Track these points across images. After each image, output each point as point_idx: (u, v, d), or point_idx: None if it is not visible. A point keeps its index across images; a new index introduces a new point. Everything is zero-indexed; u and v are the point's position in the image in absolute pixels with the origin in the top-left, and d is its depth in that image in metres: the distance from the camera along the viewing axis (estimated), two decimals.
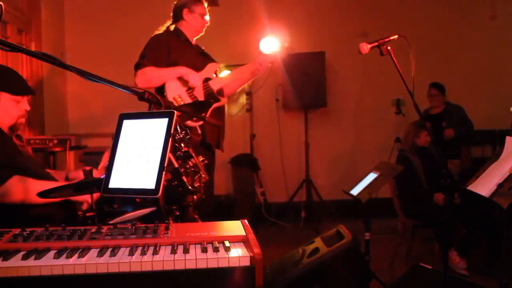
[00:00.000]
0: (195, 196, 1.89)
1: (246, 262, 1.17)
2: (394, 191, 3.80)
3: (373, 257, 2.89)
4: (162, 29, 3.16)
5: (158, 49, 2.99)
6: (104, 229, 1.33)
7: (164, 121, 1.43)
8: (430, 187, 3.73)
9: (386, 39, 2.30)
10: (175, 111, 1.45)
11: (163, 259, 1.15)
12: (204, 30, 3.16)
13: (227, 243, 1.22)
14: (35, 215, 1.97)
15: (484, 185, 1.97)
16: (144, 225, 1.38)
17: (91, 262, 1.13)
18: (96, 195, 1.77)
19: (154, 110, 2.00)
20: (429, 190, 3.72)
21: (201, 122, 2.90)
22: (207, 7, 3.15)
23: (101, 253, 1.17)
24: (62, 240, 1.25)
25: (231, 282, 1.16)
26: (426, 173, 3.77)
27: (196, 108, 2.45)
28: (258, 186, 5.31)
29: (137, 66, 2.96)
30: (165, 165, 1.35)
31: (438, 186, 3.62)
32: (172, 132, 1.40)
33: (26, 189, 1.91)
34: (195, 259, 1.15)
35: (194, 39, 3.18)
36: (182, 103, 2.89)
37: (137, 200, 1.76)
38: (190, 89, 2.99)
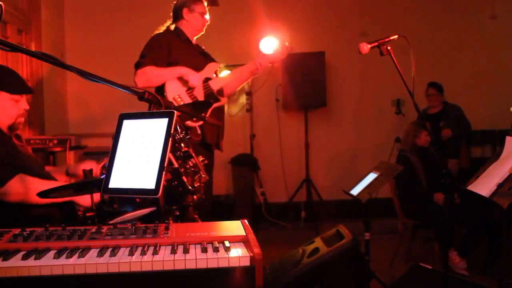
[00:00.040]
0: (195, 196, 1.89)
1: (246, 262, 1.17)
2: (394, 191, 3.80)
3: (373, 257, 2.89)
4: (162, 29, 3.16)
5: (159, 48, 2.99)
6: (104, 229, 1.33)
7: (164, 121, 1.43)
8: (430, 187, 3.73)
9: (386, 39, 2.30)
10: (175, 111, 1.45)
11: (163, 259, 1.15)
12: (204, 29, 3.17)
13: (227, 243, 1.22)
14: (35, 215, 1.97)
15: (484, 185, 1.97)
16: (144, 225, 1.38)
17: (91, 262, 1.13)
18: (96, 197, 1.77)
19: (154, 110, 2.00)
20: (429, 190, 3.71)
21: (200, 122, 2.90)
22: (207, 6, 3.16)
23: (101, 253, 1.17)
24: (62, 240, 1.25)
25: (231, 282, 1.16)
26: (426, 173, 3.77)
27: (196, 108, 2.45)
28: (258, 186, 5.31)
29: (137, 65, 2.96)
30: (165, 165, 1.35)
31: (438, 186, 3.62)
32: (172, 132, 1.40)
33: (26, 189, 1.91)
34: (195, 259, 1.16)
35: (195, 38, 3.18)
36: (181, 103, 2.89)
37: (137, 200, 1.76)
38: (190, 89, 2.99)
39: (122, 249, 1.21)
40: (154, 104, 1.79)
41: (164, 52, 2.99)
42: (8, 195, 1.90)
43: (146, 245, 1.22)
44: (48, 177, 2.16)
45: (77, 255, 1.16)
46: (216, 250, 1.19)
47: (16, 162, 1.99)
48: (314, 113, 5.34)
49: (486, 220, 3.42)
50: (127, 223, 1.42)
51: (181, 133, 1.82)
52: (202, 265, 1.15)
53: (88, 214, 1.84)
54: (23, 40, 4.23)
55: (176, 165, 1.74)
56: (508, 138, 2.09)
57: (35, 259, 1.15)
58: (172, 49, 3.01)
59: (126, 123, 1.50)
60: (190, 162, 1.86)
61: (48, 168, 2.37)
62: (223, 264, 1.16)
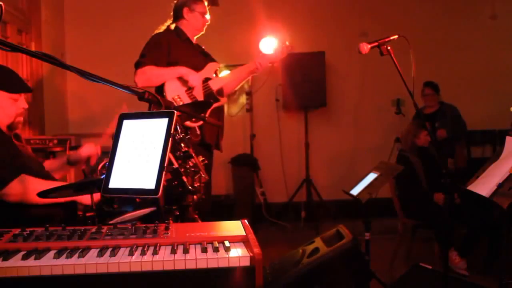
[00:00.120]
0: (195, 196, 1.89)
1: (246, 262, 1.17)
2: (394, 191, 3.80)
3: (373, 257, 2.89)
4: (162, 28, 3.16)
5: (159, 48, 2.99)
6: (104, 229, 1.33)
7: (164, 121, 1.43)
8: (430, 187, 3.72)
9: (386, 39, 2.30)
10: (175, 111, 1.45)
11: (163, 259, 1.15)
12: (204, 28, 3.17)
13: (227, 243, 1.22)
14: (35, 215, 1.97)
15: (484, 185, 1.97)
16: (144, 225, 1.38)
17: (91, 262, 1.13)
18: (96, 196, 1.77)
19: (154, 110, 2.00)
20: (429, 190, 3.71)
21: (200, 123, 2.90)
22: (207, 6, 3.16)
23: (101, 253, 1.17)
24: (62, 240, 1.25)
25: (231, 282, 1.16)
26: (426, 173, 3.77)
27: (196, 108, 2.45)
28: (258, 186, 5.31)
29: (137, 65, 2.96)
30: (165, 165, 1.35)
31: (438, 186, 3.62)
32: (172, 132, 1.40)
33: (26, 189, 1.91)
34: (195, 259, 1.15)
35: (195, 38, 3.18)
36: (181, 103, 2.88)
37: (137, 200, 1.76)
38: (189, 89, 2.99)
39: (122, 249, 1.21)
40: (154, 104, 1.79)
41: (164, 52, 2.98)
42: (8, 195, 1.90)
43: (146, 245, 1.22)
44: (48, 177, 2.16)
45: (77, 255, 1.16)
46: (216, 250, 1.19)
47: (17, 162, 1.99)
48: (314, 113, 5.34)
49: (486, 220, 3.42)
50: (127, 223, 1.42)
51: (181, 133, 1.82)
52: (202, 265, 1.15)
53: (88, 214, 1.84)
54: (23, 40, 4.23)
55: (176, 165, 1.74)
56: (508, 138, 2.09)
57: (35, 259, 1.15)
58: (172, 49, 3.01)
59: (126, 123, 1.50)
60: (190, 162, 1.86)
61: (49, 161, 2.38)
62: (223, 264, 1.16)
